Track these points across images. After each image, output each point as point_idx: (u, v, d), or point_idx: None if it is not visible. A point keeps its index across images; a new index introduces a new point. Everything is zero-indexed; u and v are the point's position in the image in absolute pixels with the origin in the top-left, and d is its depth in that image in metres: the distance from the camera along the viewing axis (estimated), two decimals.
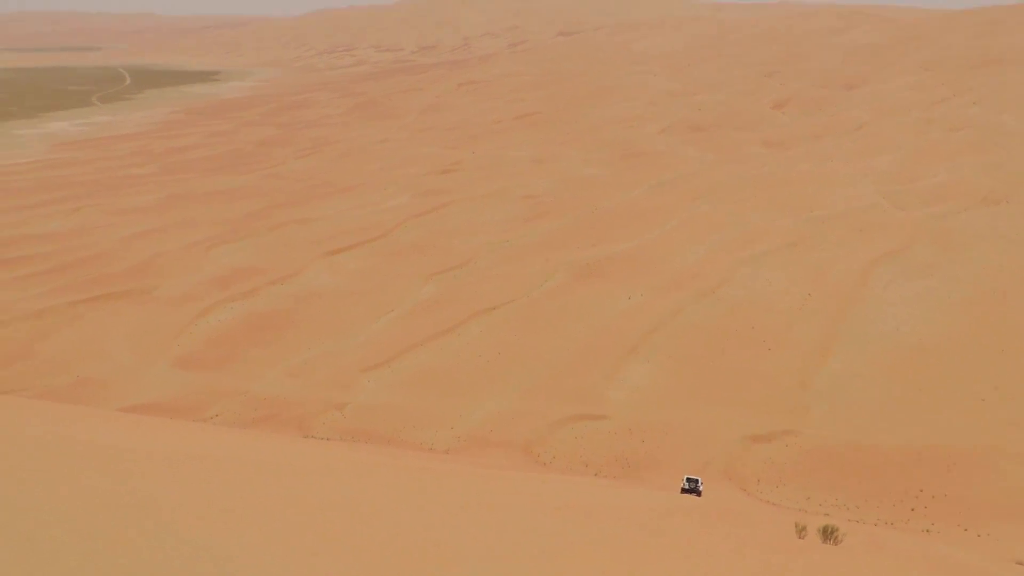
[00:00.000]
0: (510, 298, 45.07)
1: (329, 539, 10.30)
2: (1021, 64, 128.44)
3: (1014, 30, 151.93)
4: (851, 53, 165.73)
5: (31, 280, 44.33)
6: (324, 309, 43.45)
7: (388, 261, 50.78)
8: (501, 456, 34.42)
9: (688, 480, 32.61)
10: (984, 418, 39.22)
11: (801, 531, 18.88)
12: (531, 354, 41.33)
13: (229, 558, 8.11)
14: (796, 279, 52.97)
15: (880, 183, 77.01)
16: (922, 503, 33.30)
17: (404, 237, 55.24)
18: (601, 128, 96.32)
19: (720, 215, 65.64)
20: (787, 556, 15.89)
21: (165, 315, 41.38)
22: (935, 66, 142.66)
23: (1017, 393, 41.38)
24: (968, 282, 54.15)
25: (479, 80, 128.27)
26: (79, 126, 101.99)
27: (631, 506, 21.81)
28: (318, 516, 11.46)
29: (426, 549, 11.15)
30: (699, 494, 31.68)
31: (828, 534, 18.64)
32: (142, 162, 77.94)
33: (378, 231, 54.19)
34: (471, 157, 76.00)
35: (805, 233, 62.30)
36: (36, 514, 7.19)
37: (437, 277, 48.33)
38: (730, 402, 39.58)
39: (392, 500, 15.34)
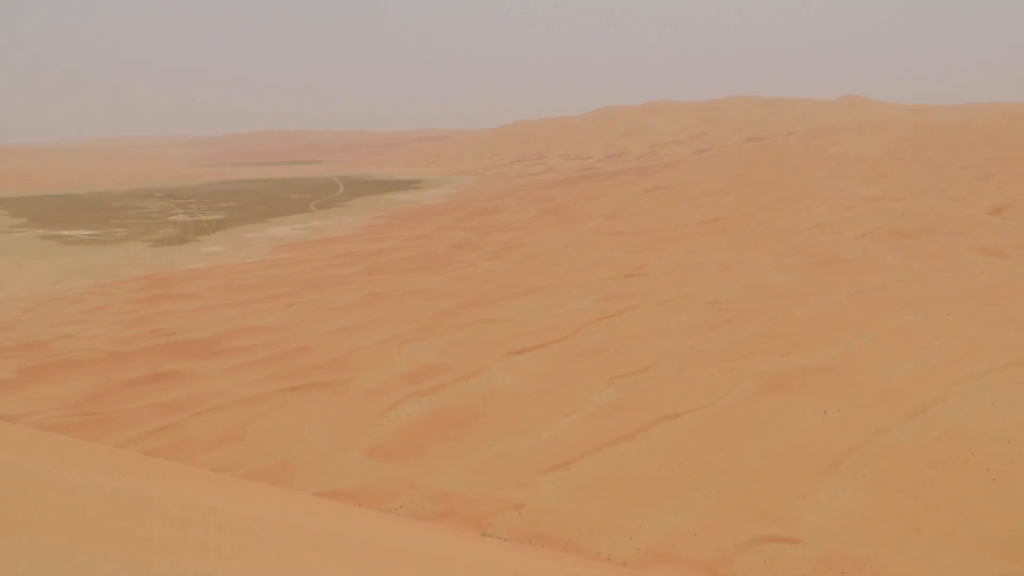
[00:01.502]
0: (694, 406, 43.39)
1: None
2: None
3: None
4: None
5: (248, 368, 48.68)
6: (506, 408, 44.02)
7: (570, 363, 50.92)
8: (682, 573, 32.37)
9: None
10: None
11: None
12: (716, 466, 39.18)
13: None
14: None
15: None
16: None
17: (586, 340, 55.31)
18: (792, 234, 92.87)
19: (931, 328, 60.09)
20: None
21: (359, 406, 43.69)
22: None
23: None
24: None
25: (665, 186, 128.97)
26: (297, 230, 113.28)
27: None
28: None
29: None
30: None
31: None
32: (348, 263, 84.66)
33: (561, 333, 54.76)
34: (656, 261, 75.77)
35: None
36: None
37: (619, 381, 47.64)
38: (946, 537, 34.96)
39: None
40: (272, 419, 39.74)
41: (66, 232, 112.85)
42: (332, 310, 59.28)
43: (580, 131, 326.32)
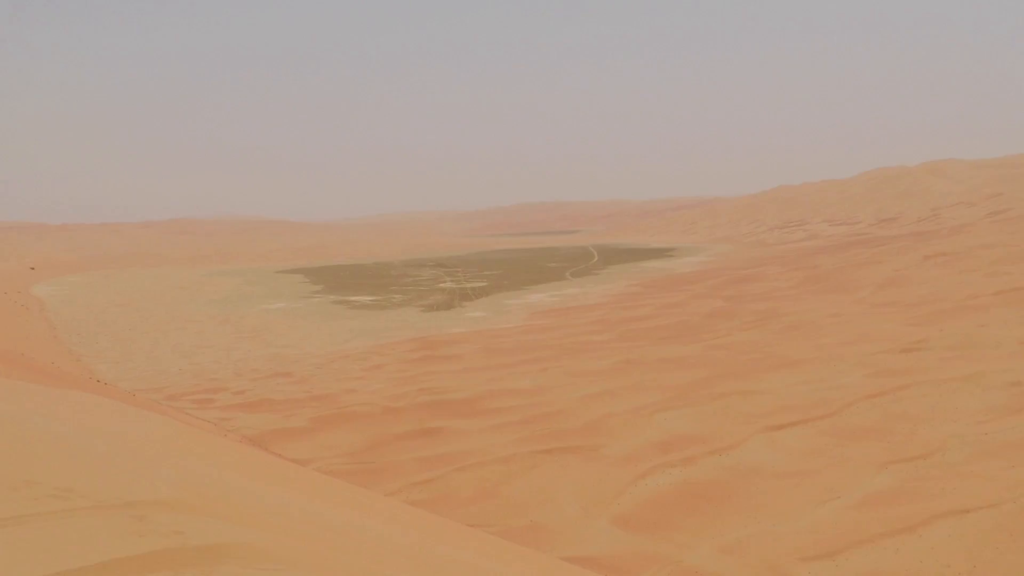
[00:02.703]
0: (991, 501, 37.59)
1: None
2: None
3: None
4: None
5: (504, 428, 50.72)
6: (762, 486, 41.33)
7: (835, 443, 46.78)
8: None
9: None
10: None
11: None
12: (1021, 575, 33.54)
13: None
14: None
15: None
16: None
17: (854, 418, 50.58)
18: None
19: None
20: None
21: (608, 473, 43.51)
22: None
23: None
24: None
25: (949, 252, 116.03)
26: (553, 297, 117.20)
27: None
28: None
29: None
30: None
31: None
32: (600, 330, 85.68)
33: (825, 409, 50.66)
34: (938, 335, 67.85)
35: None
36: None
37: (893, 467, 42.77)
38: None
39: None
40: (525, 480, 40.90)
41: (353, 298, 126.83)
42: (584, 375, 60.19)
43: (848, 195, 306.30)
